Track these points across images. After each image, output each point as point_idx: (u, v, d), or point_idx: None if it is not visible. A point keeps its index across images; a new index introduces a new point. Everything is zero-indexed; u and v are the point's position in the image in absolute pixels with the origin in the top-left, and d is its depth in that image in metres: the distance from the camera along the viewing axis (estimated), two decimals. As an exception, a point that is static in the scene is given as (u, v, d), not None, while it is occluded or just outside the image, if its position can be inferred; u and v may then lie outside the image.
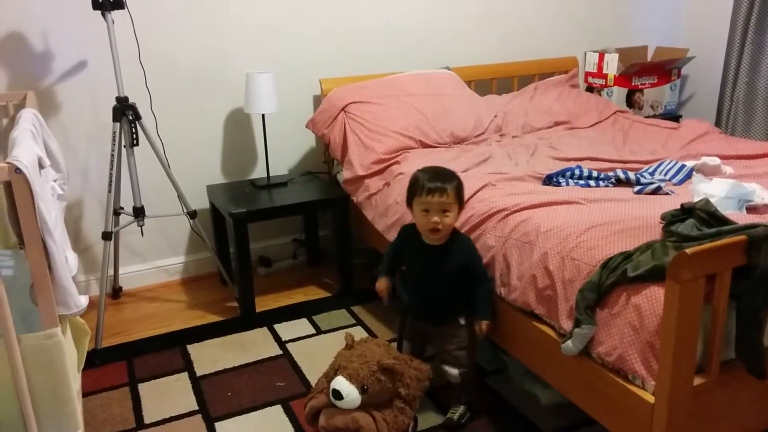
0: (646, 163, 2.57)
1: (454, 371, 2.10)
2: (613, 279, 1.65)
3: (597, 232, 1.84)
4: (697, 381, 1.50)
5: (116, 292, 3.09)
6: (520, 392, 2.26)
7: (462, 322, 2.08)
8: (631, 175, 2.31)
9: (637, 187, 2.24)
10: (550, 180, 2.37)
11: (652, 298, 1.55)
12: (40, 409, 1.63)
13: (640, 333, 1.56)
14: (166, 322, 2.85)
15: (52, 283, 1.59)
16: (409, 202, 2.04)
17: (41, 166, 1.71)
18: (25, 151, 1.59)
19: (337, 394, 1.77)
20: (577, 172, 2.38)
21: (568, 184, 2.34)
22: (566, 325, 1.78)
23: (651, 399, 1.52)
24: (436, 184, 1.94)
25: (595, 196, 2.16)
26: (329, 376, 1.90)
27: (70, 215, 2.96)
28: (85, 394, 2.33)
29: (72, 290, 1.65)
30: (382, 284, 2.17)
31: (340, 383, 1.79)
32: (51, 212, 1.75)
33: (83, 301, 1.70)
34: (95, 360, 2.53)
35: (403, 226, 2.21)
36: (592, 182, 2.33)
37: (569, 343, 1.72)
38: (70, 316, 1.75)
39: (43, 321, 1.60)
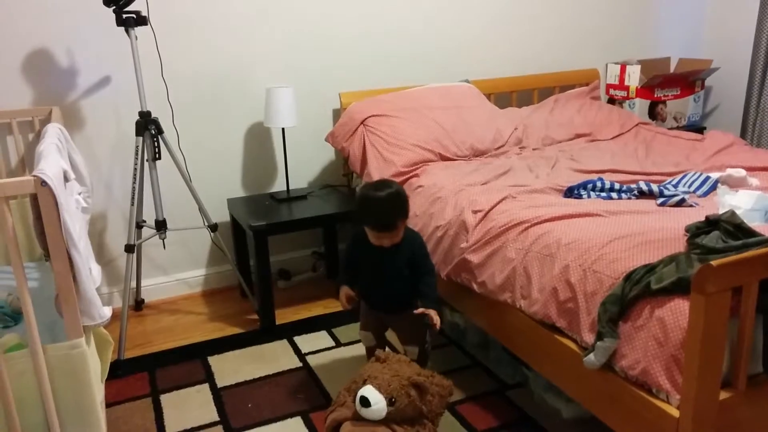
0: (669, 175, 2.54)
1: (414, 349, 2.22)
2: (637, 291, 1.63)
3: (619, 244, 1.82)
4: (723, 395, 1.48)
5: (138, 305, 3.12)
6: (542, 406, 2.23)
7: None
8: (655, 188, 2.28)
9: (661, 199, 2.21)
10: (571, 192, 2.35)
11: (677, 311, 1.53)
12: (64, 418, 1.65)
13: (665, 346, 1.53)
14: (187, 334, 2.87)
15: (77, 295, 1.61)
16: (359, 219, 2.12)
17: (66, 179, 1.73)
18: (51, 164, 1.61)
19: (365, 401, 1.76)
20: (598, 184, 2.36)
21: (589, 196, 2.32)
22: (588, 338, 1.76)
23: (676, 413, 1.49)
24: (385, 226, 2.05)
25: (618, 209, 2.14)
26: (351, 388, 1.89)
27: (94, 228, 3.00)
28: (108, 405, 2.35)
29: (96, 301, 1.66)
30: (344, 293, 2.22)
31: (370, 391, 1.77)
32: (75, 225, 1.77)
33: (107, 312, 1.72)
34: (118, 371, 2.55)
35: (353, 234, 2.25)
36: (614, 194, 2.31)
37: (592, 356, 1.70)
38: (94, 327, 1.77)
39: (68, 331, 1.61)
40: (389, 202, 2.06)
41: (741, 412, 1.51)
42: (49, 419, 1.62)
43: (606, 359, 1.68)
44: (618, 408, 1.69)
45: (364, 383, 1.81)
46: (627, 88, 3.78)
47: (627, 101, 3.78)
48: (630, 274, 1.68)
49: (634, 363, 1.61)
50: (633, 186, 2.34)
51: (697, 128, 3.87)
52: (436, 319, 2.07)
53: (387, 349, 2.20)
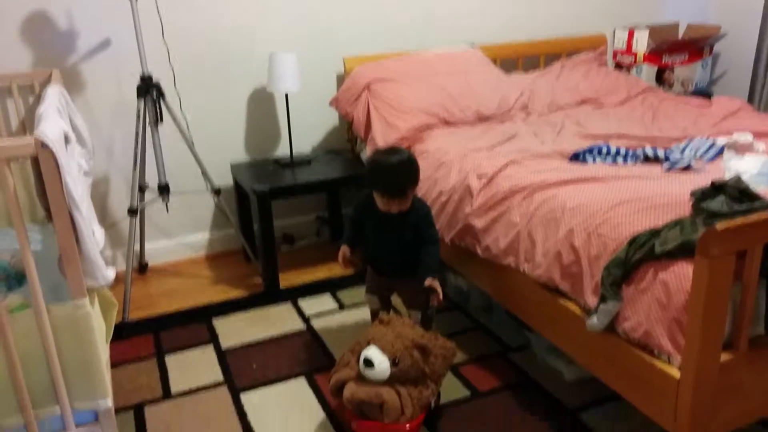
0: (676, 140, 2.52)
1: (417, 313, 2.21)
2: (641, 255, 1.63)
3: (624, 208, 1.82)
4: (725, 357, 1.48)
5: (143, 268, 3.13)
6: (544, 368, 2.25)
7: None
8: (661, 153, 2.27)
9: (667, 165, 2.20)
10: (576, 157, 2.34)
11: (680, 274, 1.53)
12: (69, 377, 1.67)
13: (667, 309, 1.54)
14: (191, 297, 2.89)
15: (80, 256, 1.61)
16: (368, 185, 2.11)
17: (67, 141, 1.72)
18: (51, 126, 1.60)
19: (369, 362, 1.78)
20: (604, 149, 2.34)
21: (595, 161, 2.31)
22: (591, 301, 1.77)
23: (677, 374, 1.50)
24: (395, 193, 2.04)
25: (623, 174, 2.12)
26: (355, 350, 1.91)
27: (97, 192, 2.99)
28: (113, 365, 2.37)
29: (99, 263, 1.67)
30: (342, 252, 2.24)
31: (373, 352, 1.79)
32: (78, 187, 1.76)
33: (110, 273, 1.72)
34: (123, 332, 2.58)
35: (360, 197, 2.23)
36: (620, 160, 2.29)
37: (594, 319, 1.71)
38: (97, 288, 1.78)
39: (72, 292, 1.62)
40: (400, 168, 2.04)
41: (741, 374, 1.52)
42: (55, 379, 1.63)
43: (608, 322, 1.69)
44: (619, 370, 1.70)
45: (368, 344, 1.82)
46: (634, 54, 3.73)
47: (634, 67, 3.74)
48: (634, 238, 1.67)
49: (636, 325, 1.62)
50: (639, 151, 2.32)
51: (705, 94, 3.82)
52: (438, 291, 2.08)
53: (392, 312, 2.22)
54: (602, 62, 3.58)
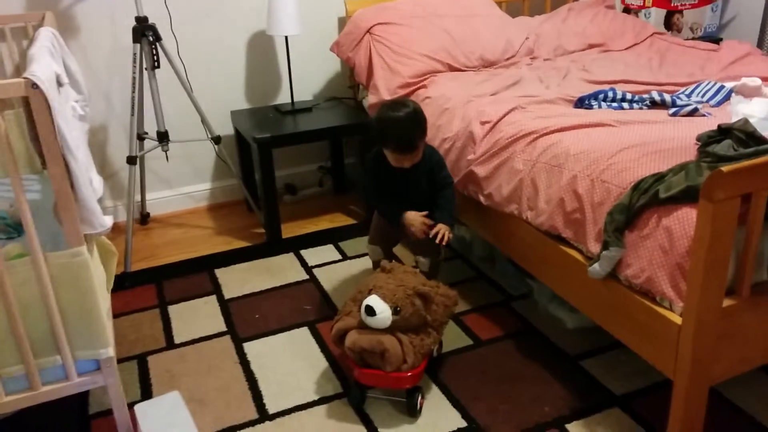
0: (683, 85, 2.46)
1: (425, 260, 2.22)
2: (644, 200, 1.60)
3: (628, 153, 1.78)
4: (727, 303, 1.47)
5: (144, 218, 3.12)
6: (546, 316, 2.25)
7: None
8: (667, 97, 2.21)
9: (673, 109, 2.15)
10: (581, 103, 2.29)
11: (684, 219, 1.50)
12: (70, 326, 1.66)
13: (670, 255, 1.52)
14: (193, 247, 2.88)
15: (76, 203, 1.59)
16: (378, 142, 2.08)
17: (59, 84, 1.68)
18: (43, 67, 1.56)
19: (370, 310, 1.77)
20: (610, 94, 2.29)
21: (600, 106, 2.26)
22: (594, 248, 1.75)
23: (678, 320, 1.49)
24: (406, 147, 2.02)
25: (628, 118, 2.07)
26: (356, 299, 1.90)
27: (95, 140, 2.96)
28: (116, 316, 2.39)
29: (96, 210, 1.65)
30: (414, 216, 2.14)
31: (375, 300, 1.78)
32: (72, 131, 1.73)
33: (108, 221, 1.70)
34: (125, 283, 2.58)
35: (367, 165, 2.20)
36: (625, 104, 2.24)
37: (596, 265, 1.69)
38: (95, 236, 1.76)
39: (68, 239, 1.61)
40: (409, 122, 2.02)
41: (744, 320, 1.51)
42: (54, 327, 1.63)
43: (611, 268, 1.67)
44: (621, 317, 1.69)
45: (369, 293, 1.81)
46: (644, -3, 3.62)
47: (643, 10, 3.63)
48: (638, 183, 1.64)
49: (638, 272, 1.60)
50: (645, 96, 2.27)
51: (714, 39, 3.72)
52: (445, 235, 2.08)
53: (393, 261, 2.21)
54: (610, 5, 3.47)
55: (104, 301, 1.85)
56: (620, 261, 1.65)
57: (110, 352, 1.73)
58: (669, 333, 1.52)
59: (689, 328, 1.45)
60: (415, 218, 2.13)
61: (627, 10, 3.71)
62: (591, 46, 3.12)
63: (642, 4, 3.63)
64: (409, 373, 1.78)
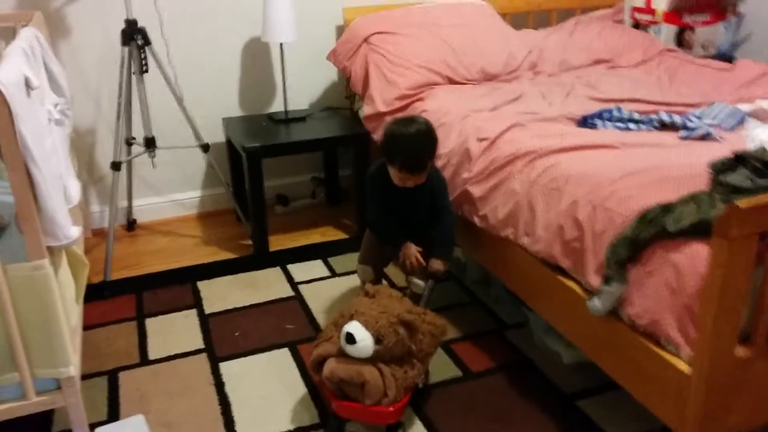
0: (694, 106, 2.34)
1: (420, 283, 2.09)
2: (651, 233, 1.48)
3: (634, 179, 1.66)
4: (740, 351, 1.34)
5: (131, 225, 3.01)
6: (542, 349, 2.12)
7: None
8: (677, 119, 2.10)
9: (683, 132, 2.03)
10: (585, 122, 2.17)
11: (694, 256, 1.38)
12: (29, 343, 1.56)
13: (678, 295, 1.40)
14: (178, 257, 2.77)
15: (38, 213, 1.48)
16: (384, 158, 1.97)
17: (29, 87, 1.57)
18: (10, 69, 1.46)
19: (350, 338, 1.65)
20: (616, 113, 2.17)
21: (605, 126, 2.14)
22: (594, 281, 1.62)
23: (686, 369, 1.37)
24: (414, 168, 1.91)
25: (635, 141, 1.96)
26: (338, 323, 1.78)
27: (83, 143, 2.86)
28: (92, 327, 2.28)
29: (61, 222, 1.54)
30: (412, 249, 2.06)
31: (355, 327, 1.66)
32: (43, 138, 1.63)
33: (73, 232, 1.59)
34: (104, 292, 2.47)
35: (369, 179, 2.09)
36: (632, 125, 2.12)
37: (596, 301, 1.57)
38: (60, 247, 1.65)
39: (29, 252, 1.50)
40: (420, 140, 1.91)
41: (759, 371, 1.38)
42: (12, 343, 1.52)
43: (612, 305, 1.55)
44: (622, 359, 1.57)
45: (351, 319, 1.70)
46: (653, 12, 3.50)
47: (652, 27, 3.52)
48: (644, 214, 1.52)
49: (642, 311, 1.48)
50: (653, 116, 2.15)
51: (727, 58, 3.61)
52: (437, 268, 2.02)
53: (384, 282, 2.10)
54: (619, 20, 3.37)
55: (72, 316, 1.74)
56: (623, 298, 1.53)
57: (72, 371, 1.62)
58: (675, 381, 1.39)
59: (698, 378, 1.33)
60: (412, 253, 2.05)
61: (636, 25, 3.60)
62: (597, 62, 3.01)
63: (652, 19, 3.51)
64: (391, 408, 1.65)
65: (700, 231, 1.40)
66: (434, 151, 1.97)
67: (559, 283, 1.77)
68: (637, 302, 1.50)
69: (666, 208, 1.50)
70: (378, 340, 1.65)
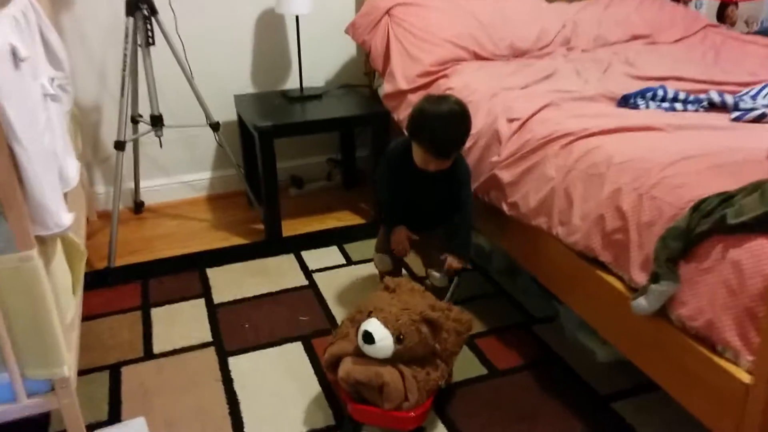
0: (744, 85, 2.14)
1: (438, 275, 1.99)
2: (707, 226, 1.31)
3: (686, 165, 1.49)
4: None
5: (138, 207, 2.89)
6: (573, 345, 1.97)
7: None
8: (729, 99, 1.91)
9: (736, 113, 1.85)
10: (626, 101, 1.99)
11: (759, 252, 1.22)
12: (18, 340, 1.42)
13: (738, 295, 1.23)
14: (187, 242, 2.64)
15: (25, 198, 1.34)
16: (410, 135, 1.81)
17: (18, 58, 1.43)
18: (-6, 37, 1.31)
19: (369, 337, 1.51)
20: (660, 92, 1.99)
21: (648, 106, 1.96)
22: (639, 277, 1.46)
23: (746, 378, 1.21)
24: (442, 151, 1.77)
25: (683, 123, 1.78)
26: (355, 319, 1.64)
27: (88, 121, 2.72)
28: (95, 317, 2.15)
29: (51, 207, 1.40)
30: (403, 235, 1.95)
31: (374, 325, 1.51)
32: (35, 115, 1.49)
33: (65, 220, 1.46)
34: (108, 279, 2.35)
35: (388, 155, 1.94)
36: (678, 105, 1.94)
37: (643, 300, 1.40)
38: (57, 235, 1.52)
39: (17, 241, 1.36)
40: (454, 122, 1.76)
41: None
42: (1, 341, 1.39)
43: (660, 305, 1.38)
44: (669, 363, 1.40)
45: (369, 315, 1.55)
46: (695, -15, 3.29)
47: (693, 0, 3.30)
48: (699, 204, 1.35)
49: (696, 313, 1.32)
50: (702, 96, 1.96)
51: (770, 35, 3.39)
52: (455, 266, 1.90)
53: (404, 273, 1.96)
54: (657, -7, 3.15)
55: (68, 310, 1.61)
56: (673, 297, 1.37)
57: (65, 371, 1.49)
58: (731, 391, 1.23)
59: (760, 390, 1.16)
60: (400, 239, 1.94)
61: (675, -1, 3.38)
62: (635, 37, 2.81)
63: (692, -7, 3.30)
64: (412, 413, 1.51)
65: (765, 225, 1.23)
66: (466, 137, 1.81)
67: (597, 278, 1.60)
68: (689, 302, 1.34)
69: (725, 199, 1.32)
70: (398, 340, 1.51)
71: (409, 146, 1.83)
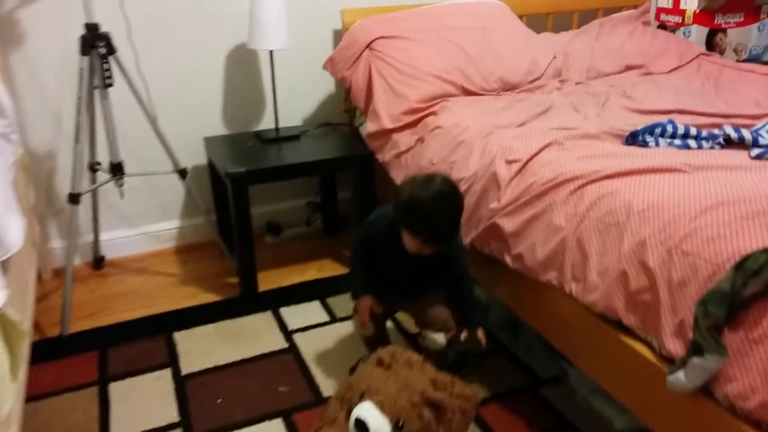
0: (753, 117, 1.99)
1: (438, 336, 1.78)
2: (757, 288, 1.12)
3: (721, 214, 1.30)
4: None
5: (98, 262, 2.63)
6: (587, 412, 1.76)
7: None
8: (746, 134, 1.74)
9: (756, 150, 1.68)
10: (634, 139, 1.81)
11: (825, 322, 1.02)
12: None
13: (802, 373, 1.03)
14: (152, 300, 2.39)
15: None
16: (402, 226, 1.62)
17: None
18: None
19: (362, 427, 1.28)
20: (669, 128, 1.81)
21: (658, 144, 1.79)
22: (672, 346, 1.26)
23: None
24: (439, 242, 1.61)
25: (702, 162, 1.60)
26: (345, 398, 1.41)
27: (41, 171, 2.48)
28: (44, 395, 1.89)
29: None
30: (365, 304, 1.76)
31: (368, 411, 1.29)
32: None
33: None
34: (61, 350, 2.09)
35: (369, 232, 1.77)
36: (692, 142, 1.77)
37: (681, 375, 1.20)
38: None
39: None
40: (450, 213, 1.59)
41: None
42: None
43: (703, 382, 1.18)
44: (716, 449, 1.20)
45: (362, 398, 1.32)
46: (682, 13, 3.16)
47: (681, 28, 3.18)
48: (743, 261, 1.16)
49: (747, 391, 1.12)
50: (717, 132, 1.79)
51: (760, 63, 3.28)
52: (482, 341, 1.73)
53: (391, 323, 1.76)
54: (646, 21, 3.03)
55: (3, 403, 1.36)
56: (718, 371, 1.17)
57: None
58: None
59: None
60: (363, 307, 1.75)
61: (663, 27, 3.26)
62: (629, 68, 2.66)
63: (681, 21, 3.17)
64: None
65: (829, 288, 1.04)
66: (461, 214, 1.63)
67: (618, 342, 1.40)
68: (738, 378, 1.14)
69: (775, 255, 1.14)
70: (398, 426, 1.28)
71: (395, 226, 1.64)
